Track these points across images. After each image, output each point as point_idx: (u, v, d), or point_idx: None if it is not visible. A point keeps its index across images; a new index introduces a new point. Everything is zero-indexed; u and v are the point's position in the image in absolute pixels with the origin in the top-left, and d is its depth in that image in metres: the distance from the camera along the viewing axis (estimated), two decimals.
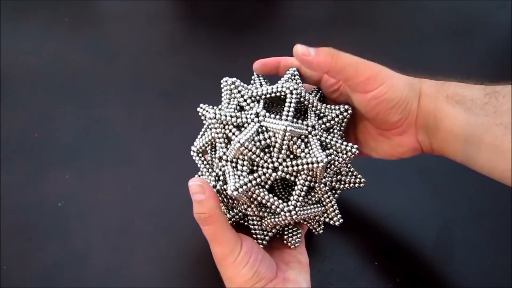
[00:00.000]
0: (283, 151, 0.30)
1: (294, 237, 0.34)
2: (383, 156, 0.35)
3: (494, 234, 0.41)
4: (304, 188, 0.31)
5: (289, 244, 0.34)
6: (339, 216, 0.34)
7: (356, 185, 0.34)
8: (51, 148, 0.47)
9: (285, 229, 0.34)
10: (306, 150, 0.30)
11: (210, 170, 0.34)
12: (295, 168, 0.30)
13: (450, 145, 0.31)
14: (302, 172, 0.31)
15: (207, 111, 0.35)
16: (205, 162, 0.35)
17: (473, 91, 0.30)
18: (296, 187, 0.31)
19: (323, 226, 0.35)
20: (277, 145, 0.30)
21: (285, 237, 0.34)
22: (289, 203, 0.30)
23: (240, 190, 0.29)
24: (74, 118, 0.50)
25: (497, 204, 0.43)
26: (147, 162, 0.46)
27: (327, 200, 0.33)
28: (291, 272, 0.32)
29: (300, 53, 0.30)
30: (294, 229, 0.34)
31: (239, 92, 0.34)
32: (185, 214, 0.42)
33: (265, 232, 0.34)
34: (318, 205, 0.33)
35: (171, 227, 0.41)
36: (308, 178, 0.31)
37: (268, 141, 0.30)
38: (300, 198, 0.31)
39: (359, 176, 0.35)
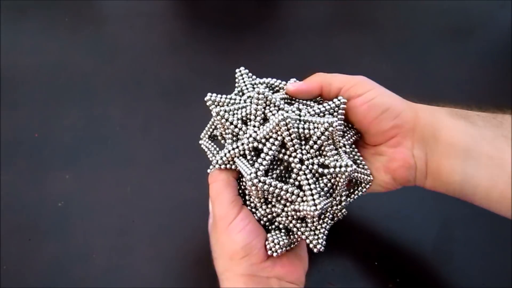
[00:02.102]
0: (315, 146, 0.30)
1: (319, 240, 0.32)
2: (379, 182, 0.33)
3: (494, 234, 0.41)
4: (325, 189, 0.31)
5: (312, 246, 0.32)
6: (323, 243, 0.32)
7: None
8: (51, 148, 0.47)
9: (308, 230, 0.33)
10: (336, 155, 0.30)
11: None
12: (320, 170, 0.30)
13: (448, 161, 0.29)
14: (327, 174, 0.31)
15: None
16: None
17: (478, 112, 0.30)
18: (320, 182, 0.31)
19: (324, 242, 0.32)
20: (314, 137, 0.30)
21: (310, 238, 0.32)
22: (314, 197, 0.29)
23: (259, 173, 0.29)
24: (74, 118, 0.50)
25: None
26: (147, 162, 0.46)
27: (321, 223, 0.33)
28: (285, 262, 0.31)
29: (292, 89, 0.33)
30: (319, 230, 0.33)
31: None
32: (185, 214, 0.42)
33: (316, 232, 0.32)
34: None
35: (171, 227, 0.41)
36: (332, 181, 0.31)
37: (306, 131, 0.30)
38: (322, 193, 0.30)
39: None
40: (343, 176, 0.30)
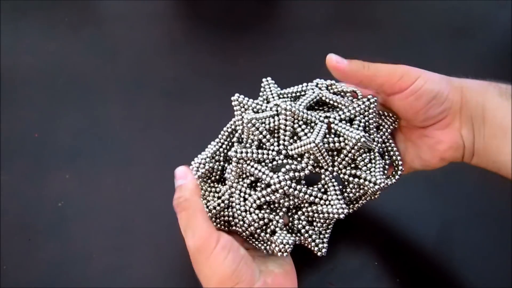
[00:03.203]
0: (347, 159, 0.31)
1: (324, 244, 0.33)
2: (425, 162, 0.33)
3: (494, 234, 0.41)
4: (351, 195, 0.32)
5: (317, 250, 0.33)
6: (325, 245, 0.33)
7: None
8: (51, 148, 0.47)
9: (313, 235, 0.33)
10: (369, 165, 0.31)
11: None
12: (350, 179, 0.31)
13: (496, 141, 0.29)
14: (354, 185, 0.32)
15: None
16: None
17: None
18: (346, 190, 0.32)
19: (326, 245, 0.34)
20: (344, 151, 0.31)
21: (316, 241, 0.33)
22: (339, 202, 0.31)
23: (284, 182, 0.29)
24: (74, 118, 0.50)
25: (497, 204, 0.43)
26: (147, 162, 0.46)
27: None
28: (275, 277, 0.30)
29: (335, 61, 0.30)
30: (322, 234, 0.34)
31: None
32: None
33: (321, 236, 0.33)
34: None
35: (171, 227, 0.41)
36: (361, 191, 0.32)
37: (337, 145, 0.31)
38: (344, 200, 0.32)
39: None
40: (370, 191, 0.31)
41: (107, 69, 0.55)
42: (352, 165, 0.32)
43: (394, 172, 0.34)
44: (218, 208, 0.32)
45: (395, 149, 0.34)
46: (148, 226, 0.41)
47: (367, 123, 0.32)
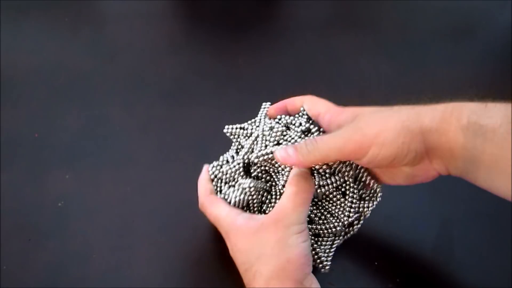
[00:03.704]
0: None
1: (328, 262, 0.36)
2: (401, 183, 0.34)
3: (494, 234, 0.41)
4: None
5: (321, 266, 0.35)
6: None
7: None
8: (51, 148, 0.47)
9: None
10: (342, 200, 0.34)
11: None
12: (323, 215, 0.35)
13: (471, 175, 0.29)
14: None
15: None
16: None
17: (492, 117, 0.27)
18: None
19: (330, 263, 0.36)
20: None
21: (321, 258, 0.35)
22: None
23: None
24: (74, 118, 0.50)
25: (497, 204, 0.43)
26: (147, 162, 0.46)
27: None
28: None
29: (281, 159, 0.31)
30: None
31: None
32: (185, 214, 0.42)
33: (326, 251, 0.35)
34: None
35: (171, 227, 0.41)
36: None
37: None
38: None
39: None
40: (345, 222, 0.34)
41: (107, 69, 0.55)
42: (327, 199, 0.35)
43: (373, 197, 0.35)
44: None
45: (368, 178, 0.34)
46: (148, 226, 0.41)
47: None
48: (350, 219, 0.33)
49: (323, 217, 0.35)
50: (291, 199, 0.31)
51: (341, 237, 0.36)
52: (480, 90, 0.53)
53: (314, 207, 0.35)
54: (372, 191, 0.35)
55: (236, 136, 0.37)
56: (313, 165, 0.33)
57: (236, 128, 0.37)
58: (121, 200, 0.43)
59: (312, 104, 0.35)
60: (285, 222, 0.30)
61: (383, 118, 0.30)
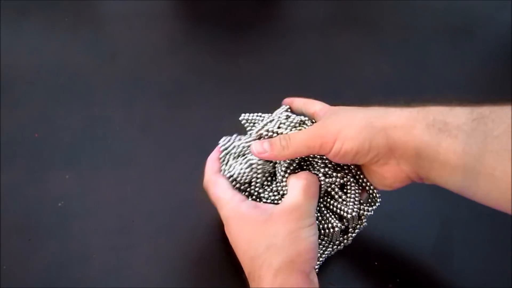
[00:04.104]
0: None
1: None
2: (378, 187, 0.34)
3: (494, 234, 0.41)
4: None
5: None
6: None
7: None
8: (51, 148, 0.47)
9: None
10: (344, 197, 0.34)
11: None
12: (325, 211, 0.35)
13: (438, 173, 0.29)
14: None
15: None
16: None
17: (457, 117, 0.28)
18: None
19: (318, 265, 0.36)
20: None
21: None
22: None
23: None
24: (74, 118, 0.50)
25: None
26: (147, 162, 0.46)
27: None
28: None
29: (257, 153, 0.33)
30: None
31: None
32: (185, 214, 0.42)
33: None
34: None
35: (171, 227, 0.41)
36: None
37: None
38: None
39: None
40: (347, 218, 0.34)
41: (107, 69, 0.55)
42: (329, 197, 0.35)
43: (371, 202, 0.35)
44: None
45: (367, 181, 0.35)
46: (148, 226, 0.41)
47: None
48: (353, 213, 0.33)
49: (322, 215, 0.35)
50: (303, 191, 0.32)
51: (334, 246, 0.36)
52: (480, 90, 0.53)
53: None
54: (370, 195, 0.35)
55: (252, 123, 0.37)
56: (284, 159, 0.34)
57: (254, 116, 0.37)
58: (121, 200, 0.43)
59: (310, 104, 0.36)
60: (298, 214, 0.31)
61: (351, 115, 0.32)
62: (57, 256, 0.39)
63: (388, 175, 0.32)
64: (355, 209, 0.33)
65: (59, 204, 0.43)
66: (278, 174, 0.34)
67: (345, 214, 0.33)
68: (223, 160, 0.36)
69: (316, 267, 0.35)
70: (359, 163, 0.32)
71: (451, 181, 0.28)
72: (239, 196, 0.33)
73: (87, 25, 0.60)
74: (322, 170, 0.34)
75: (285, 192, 0.33)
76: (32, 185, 0.44)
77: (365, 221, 0.35)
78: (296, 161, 0.34)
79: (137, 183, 0.44)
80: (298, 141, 0.32)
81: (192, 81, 0.54)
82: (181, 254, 0.40)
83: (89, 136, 0.48)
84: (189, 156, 0.46)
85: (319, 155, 0.34)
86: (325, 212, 0.35)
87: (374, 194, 0.34)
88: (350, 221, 0.34)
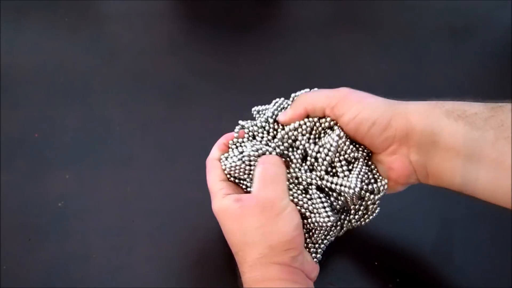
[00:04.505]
0: (325, 163, 0.32)
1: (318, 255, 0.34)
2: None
3: (494, 234, 0.41)
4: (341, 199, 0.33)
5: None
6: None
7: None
8: (51, 148, 0.47)
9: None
10: (347, 172, 0.32)
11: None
12: (328, 185, 0.32)
13: (449, 164, 0.29)
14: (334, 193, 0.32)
15: None
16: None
17: (474, 106, 0.28)
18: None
19: (320, 256, 0.35)
20: (322, 154, 0.32)
21: (311, 250, 0.34)
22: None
23: None
24: (74, 118, 0.50)
25: (497, 204, 0.43)
26: (147, 162, 0.46)
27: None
28: (310, 260, 0.32)
29: (283, 119, 0.33)
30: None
31: None
32: (185, 214, 0.42)
33: (316, 246, 0.34)
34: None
35: (171, 227, 0.41)
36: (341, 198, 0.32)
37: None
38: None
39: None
40: (348, 196, 0.31)
41: (107, 69, 0.55)
42: (331, 173, 0.33)
43: (377, 189, 0.34)
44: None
45: (374, 167, 0.34)
46: (148, 226, 0.41)
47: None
48: (356, 188, 0.31)
49: (314, 204, 0.33)
50: (260, 180, 0.31)
51: (335, 231, 0.35)
52: (480, 90, 0.53)
53: (306, 197, 0.33)
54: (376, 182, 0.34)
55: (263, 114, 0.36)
56: (302, 111, 0.33)
57: (264, 107, 0.37)
58: (121, 200, 0.43)
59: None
60: (260, 206, 0.29)
61: (372, 95, 0.32)
62: (57, 256, 0.39)
63: (395, 167, 0.31)
64: (358, 185, 0.31)
65: (59, 204, 0.43)
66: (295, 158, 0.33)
67: (346, 189, 0.31)
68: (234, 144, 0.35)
69: (318, 255, 0.34)
70: (372, 139, 0.31)
71: (460, 172, 0.28)
72: (227, 187, 0.32)
73: (87, 25, 0.60)
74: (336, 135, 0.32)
75: None
76: (32, 185, 0.44)
77: (373, 210, 0.34)
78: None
79: (137, 183, 0.44)
80: (320, 91, 0.32)
81: (192, 81, 0.54)
82: (181, 254, 0.40)
83: (89, 136, 0.48)
84: (189, 156, 0.46)
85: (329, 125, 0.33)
86: (318, 201, 0.32)
87: (380, 181, 0.33)
88: (350, 201, 0.32)
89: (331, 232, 0.35)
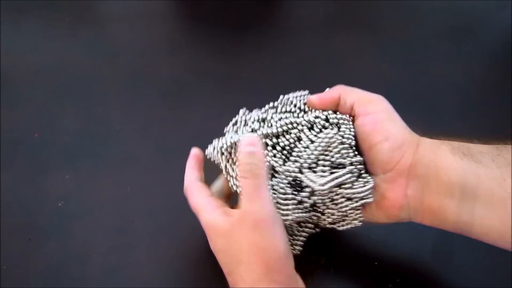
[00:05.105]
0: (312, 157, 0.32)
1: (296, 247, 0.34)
2: (372, 216, 0.33)
3: None
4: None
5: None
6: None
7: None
8: (51, 148, 0.47)
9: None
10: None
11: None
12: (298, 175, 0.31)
13: (448, 201, 0.28)
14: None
15: None
16: None
17: (480, 146, 0.28)
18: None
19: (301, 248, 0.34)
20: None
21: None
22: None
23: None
24: (74, 118, 0.50)
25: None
26: (147, 162, 0.46)
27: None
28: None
29: (317, 101, 0.34)
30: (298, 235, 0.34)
31: None
32: (185, 214, 0.42)
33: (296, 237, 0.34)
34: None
35: (171, 227, 0.41)
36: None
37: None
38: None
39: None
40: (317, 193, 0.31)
41: (107, 69, 0.55)
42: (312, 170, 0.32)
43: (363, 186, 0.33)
44: None
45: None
46: (148, 226, 0.41)
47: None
48: (319, 187, 0.30)
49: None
50: (244, 192, 0.28)
51: (310, 226, 0.34)
52: (480, 90, 0.53)
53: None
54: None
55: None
56: (336, 96, 0.33)
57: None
58: (121, 200, 0.43)
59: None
60: (249, 223, 0.28)
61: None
62: (57, 256, 0.39)
63: (389, 196, 0.31)
64: (325, 185, 0.30)
65: (59, 204, 0.43)
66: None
67: (312, 184, 0.30)
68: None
69: (299, 248, 0.34)
70: (378, 154, 0.30)
71: (459, 208, 0.28)
72: (214, 203, 0.31)
73: (87, 25, 0.60)
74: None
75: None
76: (32, 185, 0.44)
77: (354, 217, 0.33)
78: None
79: (137, 183, 0.44)
80: (355, 88, 0.32)
81: (192, 81, 0.54)
82: (181, 254, 0.40)
83: (89, 136, 0.48)
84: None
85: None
86: (281, 192, 0.31)
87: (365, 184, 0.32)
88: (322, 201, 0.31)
89: (306, 228, 0.34)
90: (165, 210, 0.43)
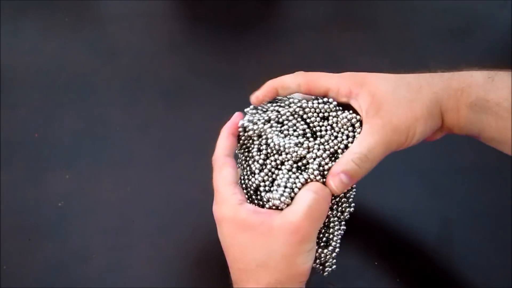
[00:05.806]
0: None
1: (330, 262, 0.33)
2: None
3: (494, 234, 0.41)
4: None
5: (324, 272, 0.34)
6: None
7: None
8: (51, 148, 0.47)
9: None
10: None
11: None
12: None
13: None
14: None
15: None
16: None
17: (497, 92, 0.28)
18: None
19: (334, 267, 0.34)
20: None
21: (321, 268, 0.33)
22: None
23: None
24: (74, 118, 0.50)
25: (497, 204, 0.43)
26: (147, 162, 0.46)
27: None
28: None
29: (340, 190, 0.30)
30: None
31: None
32: (185, 214, 0.42)
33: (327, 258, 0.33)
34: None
35: (171, 227, 0.41)
36: None
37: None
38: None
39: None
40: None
41: (107, 69, 0.55)
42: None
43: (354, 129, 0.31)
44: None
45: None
46: (148, 226, 0.41)
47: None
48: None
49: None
50: (309, 211, 0.27)
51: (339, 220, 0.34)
52: None
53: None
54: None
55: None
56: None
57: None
58: (121, 200, 0.43)
59: (313, 82, 0.32)
60: (298, 238, 0.27)
61: (409, 106, 0.29)
62: (57, 256, 0.39)
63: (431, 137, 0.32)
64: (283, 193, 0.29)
65: (59, 204, 0.43)
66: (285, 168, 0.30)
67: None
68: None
69: (333, 263, 0.33)
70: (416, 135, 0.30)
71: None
72: (239, 196, 0.29)
73: (87, 25, 0.60)
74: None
75: (292, 195, 0.29)
76: (32, 185, 0.44)
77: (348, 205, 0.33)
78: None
79: (137, 183, 0.44)
80: (375, 153, 0.29)
81: (192, 81, 0.54)
82: (181, 254, 0.40)
83: (89, 136, 0.48)
84: (189, 156, 0.46)
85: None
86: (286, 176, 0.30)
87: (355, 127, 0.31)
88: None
89: (331, 245, 0.34)
90: (165, 210, 0.43)
